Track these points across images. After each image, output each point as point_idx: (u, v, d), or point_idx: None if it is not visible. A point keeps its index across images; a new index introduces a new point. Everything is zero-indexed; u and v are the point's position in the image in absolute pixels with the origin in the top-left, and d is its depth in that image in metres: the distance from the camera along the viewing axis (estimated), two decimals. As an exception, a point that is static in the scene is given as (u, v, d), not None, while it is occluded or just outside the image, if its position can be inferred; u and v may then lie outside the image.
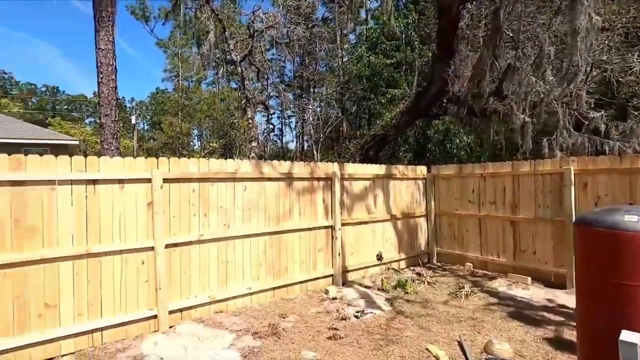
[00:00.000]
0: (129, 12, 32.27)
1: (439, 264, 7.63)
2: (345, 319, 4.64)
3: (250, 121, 15.38)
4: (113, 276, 4.15)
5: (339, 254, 6.16)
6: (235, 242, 5.11)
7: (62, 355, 3.79)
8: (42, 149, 14.99)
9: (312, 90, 23.94)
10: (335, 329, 4.34)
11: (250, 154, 14.46)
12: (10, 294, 3.60)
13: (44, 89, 63.13)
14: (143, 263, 4.35)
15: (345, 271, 6.29)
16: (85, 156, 4.15)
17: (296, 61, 25.22)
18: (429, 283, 6.13)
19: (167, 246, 4.47)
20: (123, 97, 70.74)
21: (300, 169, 5.89)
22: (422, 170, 7.89)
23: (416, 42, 16.14)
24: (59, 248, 3.84)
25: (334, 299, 5.38)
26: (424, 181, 7.88)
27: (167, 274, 4.45)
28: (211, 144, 26.65)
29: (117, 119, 6.12)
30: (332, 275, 6.13)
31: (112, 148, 6.09)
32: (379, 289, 5.86)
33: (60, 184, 3.88)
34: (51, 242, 3.81)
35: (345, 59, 23.26)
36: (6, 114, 24.77)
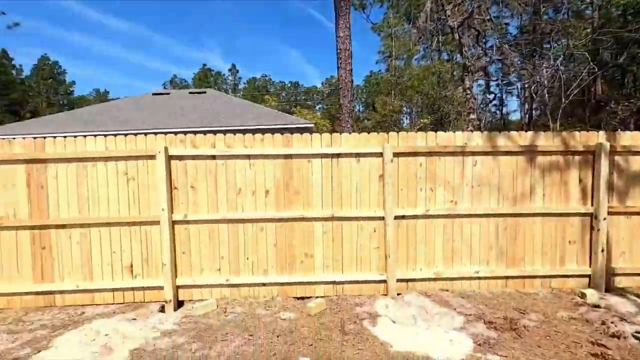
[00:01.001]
0: (349, 4, 35.57)
1: None
2: (617, 337, 3.51)
3: (468, 92, 14.03)
4: (351, 239, 4.70)
5: (602, 251, 4.71)
6: (462, 220, 4.76)
7: (316, 297, 4.66)
8: (291, 132, 18.99)
9: (549, 44, 19.33)
10: (604, 345, 3.35)
11: (467, 127, 13.29)
12: (284, 241, 4.68)
13: (289, 84, 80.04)
14: (375, 231, 4.70)
15: (611, 274, 4.78)
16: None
17: (526, 12, 20.94)
18: None
19: (395, 217, 4.65)
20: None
21: (547, 140, 4.79)
22: None
23: None
24: (313, 210, 4.66)
25: (596, 306, 4.18)
26: None
27: (394, 244, 4.65)
28: (421, 120, 26.38)
29: (352, 99, 6.85)
30: (588, 276, 4.80)
31: (348, 126, 6.91)
32: (674, 309, 4.13)
33: (313, 157, 4.65)
34: (308, 204, 4.67)
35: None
36: (268, 106, 32.89)
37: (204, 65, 71.03)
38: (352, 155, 4.67)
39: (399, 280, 4.69)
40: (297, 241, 4.68)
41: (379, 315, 4.04)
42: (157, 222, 4.53)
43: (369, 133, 4.73)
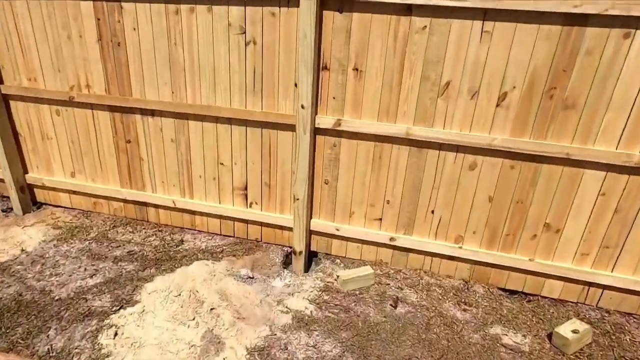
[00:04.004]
0: None
1: None
2: None
3: None
4: (660, 215, 2.27)
5: None
6: None
7: (542, 296, 2.60)
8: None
9: None
10: None
11: None
12: (508, 196, 2.46)
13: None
14: None
15: None
16: None
17: None
18: None
19: None
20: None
21: None
22: None
23: None
24: (595, 144, 2.23)
25: None
26: None
27: None
28: None
29: None
30: None
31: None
32: None
33: None
34: (589, 132, 2.22)
35: None
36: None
37: None
38: None
39: None
40: (536, 198, 2.43)
41: None
42: (291, 127, 2.62)
43: None
